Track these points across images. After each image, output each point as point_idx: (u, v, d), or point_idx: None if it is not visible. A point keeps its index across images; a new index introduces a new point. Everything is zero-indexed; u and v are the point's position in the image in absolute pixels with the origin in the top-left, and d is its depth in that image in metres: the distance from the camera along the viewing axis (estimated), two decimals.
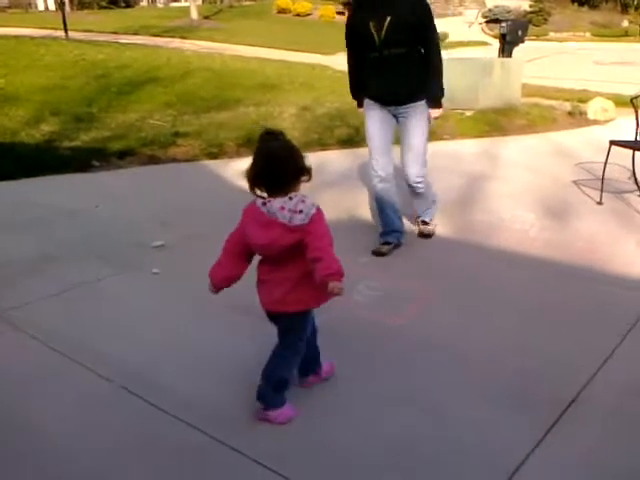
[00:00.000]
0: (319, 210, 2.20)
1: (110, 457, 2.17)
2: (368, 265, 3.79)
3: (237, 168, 5.94)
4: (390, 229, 4.10)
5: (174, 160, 6.26)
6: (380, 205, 4.13)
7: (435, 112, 4.00)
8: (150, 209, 4.75)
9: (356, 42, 3.91)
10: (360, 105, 4.16)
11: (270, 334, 2.98)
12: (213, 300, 3.28)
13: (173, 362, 2.75)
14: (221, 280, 2.40)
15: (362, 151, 6.94)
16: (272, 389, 2.33)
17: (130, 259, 3.84)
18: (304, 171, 2.21)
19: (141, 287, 3.50)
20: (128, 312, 3.21)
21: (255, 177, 2.22)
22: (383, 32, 3.70)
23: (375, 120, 4.02)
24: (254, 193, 2.24)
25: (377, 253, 3.97)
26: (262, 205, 2.20)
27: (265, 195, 2.22)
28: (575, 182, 5.70)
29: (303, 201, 2.17)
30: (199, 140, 6.80)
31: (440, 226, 4.49)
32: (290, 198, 2.17)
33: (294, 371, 2.48)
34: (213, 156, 6.40)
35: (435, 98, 3.93)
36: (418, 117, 3.95)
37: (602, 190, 5.13)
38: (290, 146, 2.24)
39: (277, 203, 2.17)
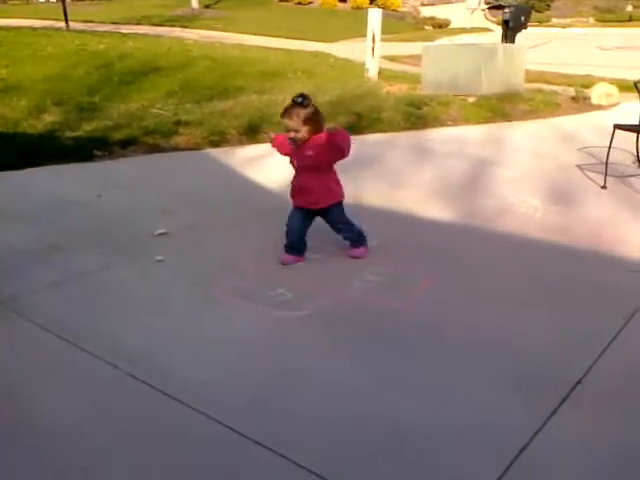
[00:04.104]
0: None
1: (115, 442, 2.18)
2: (372, 251, 3.78)
3: (239, 156, 5.94)
4: None
5: (176, 149, 6.25)
6: None
7: None
8: (153, 197, 4.75)
9: None
10: None
11: (271, 318, 3.00)
12: (216, 287, 3.30)
13: (177, 347, 2.75)
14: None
15: (365, 138, 6.95)
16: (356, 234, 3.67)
17: (133, 247, 3.84)
18: None
19: (145, 274, 3.50)
20: (132, 299, 3.21)
21: None
22: None
23: None
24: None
25: None
26: None
27: None
28: (579, 166, 5.67)
29: None
30: (201, 128, 6.78)
31: (445, 211, 4.49)
32: None
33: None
34: (215, 144, 6.39)
35: None
36: None
37: (606, 174, 5.11)
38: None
39: None
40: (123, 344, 2.77)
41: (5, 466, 2.08)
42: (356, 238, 3.68)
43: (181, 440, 2.18)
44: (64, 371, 2.60)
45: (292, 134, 3.36)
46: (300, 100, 3.33)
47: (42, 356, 2.70)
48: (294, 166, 3.55)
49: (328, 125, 3.44)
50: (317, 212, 3.58)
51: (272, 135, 3.69)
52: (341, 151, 3.39)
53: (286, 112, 3.35)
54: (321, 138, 3.37)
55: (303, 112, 3.31)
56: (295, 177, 3.59)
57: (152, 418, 2.30)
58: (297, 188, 3.56)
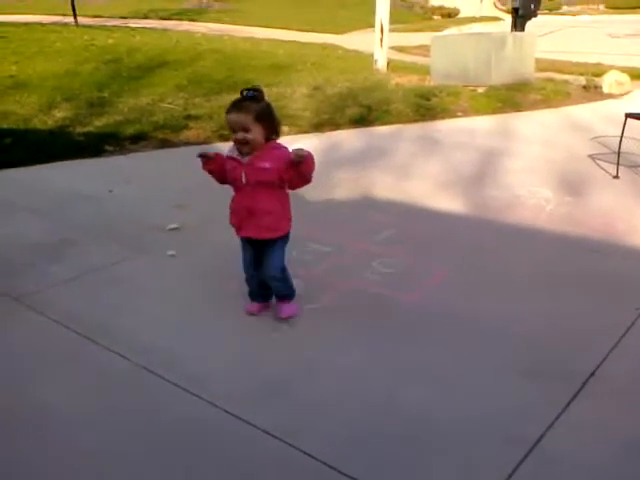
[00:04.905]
0: None
1: (128, 431, 2.20)
2: (382, 243, 3.79)
3: None
4: None
5: (187, 143, 6.25)
6: None
7: None
8: (164, 192, 4.76)
9: None
10: None
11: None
12: (227, 281, 3.31)
13: (188, 340, 2.78)
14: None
15: (374, 130, 6.94)
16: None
17: (146, 242, 3.86)
18: None
19: (157, 269, 3.52)
20: (145, 294, 3.24)
21: None
22: None
23: None
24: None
25: None
26: None
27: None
28: (591, 156, 5.64)
29: None
30: (211, 123, 6.79)
31: (455, 203, 4.48)
32: None
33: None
34: (225, 138, 6.35)
35: None
36: None
37: (618, 164, 5.07)
38: None
39: None
40: (136, 337, 2.79)
41: (21, 455, 2.11)
42: (289, 290, 2.97)
43: (191, 429, 2.20)
44: (78, 364, 2.62)
45: (240, 135, 2.61)
46: (251, 93, 2.64)
47: (56, 350, 2.72)
48: (237, 184, 2.77)
49: (294, 147, 2.65)
50: (261, 243, 2.82)
51: (209, 155, 2.80)
52: (306, 182, 2.72)
53: (234, 106, 2.64)
54: (280, 152, 2.68)
55: (256, 106, 2.62)
56: (239, 197, 2.81)
57: (163, 408, 2.32)
58: (245, 210, 2.77)
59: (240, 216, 2.80)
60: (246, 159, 2.69)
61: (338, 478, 1.97)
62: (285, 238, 2.84)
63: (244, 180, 2.71)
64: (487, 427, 2.20)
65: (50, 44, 11.37)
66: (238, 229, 2.85)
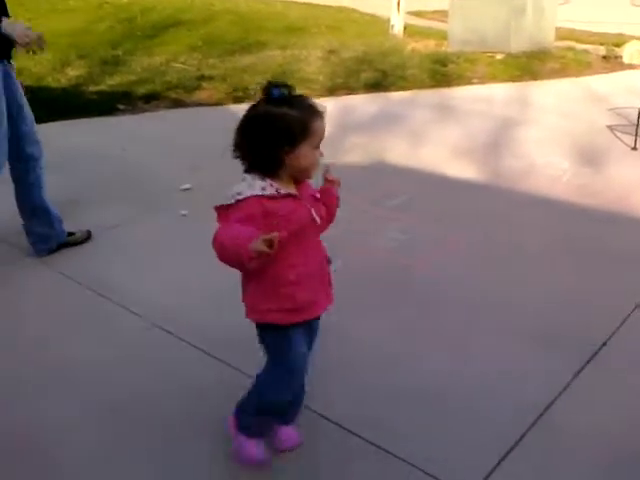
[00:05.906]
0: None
1: (143, 391, 2.23)
2: (396, 209, 3.76)
3: None
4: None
5: (199, 104, 6.21)
6: None
7: None
8: (177, 152, 4.73)
9: None
10: None
11: None
12: None
13: (201, 300, 2.79)
14: None
15: (389, 95, 6.85)
16: None
17: (158, 201, 3.85)
18: None
19: (170, 228, 3.52)
20: (157, 252, 3.24)
21: None
22: None
23: None
24: None
25: None
26: None
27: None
28: (609, 127, 5.55)
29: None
30: (224, 84, 6.73)
31: (471, 171, 4.43)
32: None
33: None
34: (238, 100, 6.32)
35: None
36: None
37: (637, 135, 4.99)
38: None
39: None
40: (148, 295, 2.81)
41: (38, 403, 2.14)
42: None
43: (203, 388, 2.23)
44: (92, 320, 2.65)
45: (321, 152, 1.71)
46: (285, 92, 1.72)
47: (70, 306, 2.75)
48: (302, 232, 1.72)
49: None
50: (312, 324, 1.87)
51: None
52: (331, 221, 1.87)
53: (318, 111, 1.69)
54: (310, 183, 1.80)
55: None
56: (309, 252, 1.75)
57: (176, 366, 2.36)
58: (319, 270, 1.80)
59: (314, 283, 1.77)
60: (292, 191, 1.73)
61: (352, 440, 1.98)
62: None
63: (318, 219, 1.75)
64: (498, 393, 2.21)
65: (62, 2, 11.24)
66: (309, 307, 1.77)
